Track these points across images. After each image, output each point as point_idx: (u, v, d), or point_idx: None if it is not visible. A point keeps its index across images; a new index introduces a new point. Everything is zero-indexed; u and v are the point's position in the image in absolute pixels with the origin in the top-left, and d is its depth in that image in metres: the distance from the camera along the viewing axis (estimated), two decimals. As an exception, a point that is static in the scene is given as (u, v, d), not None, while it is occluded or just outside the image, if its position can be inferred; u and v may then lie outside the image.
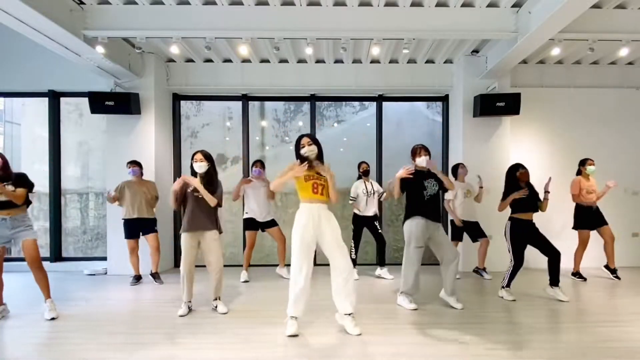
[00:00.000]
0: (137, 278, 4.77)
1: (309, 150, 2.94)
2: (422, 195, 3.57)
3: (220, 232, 3.61)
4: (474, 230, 4.95)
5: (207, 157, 3.48)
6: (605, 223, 4.90)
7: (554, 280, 3.90)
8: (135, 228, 4.67)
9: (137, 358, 2.60)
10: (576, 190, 4.86)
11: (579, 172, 4.96)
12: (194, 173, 3.48)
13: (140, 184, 4.71)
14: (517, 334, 3.01)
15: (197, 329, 3.12)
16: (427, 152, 3.63)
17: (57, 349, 2.77)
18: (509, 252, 3.95)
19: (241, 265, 4.96)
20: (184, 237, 3.43)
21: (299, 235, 2.88)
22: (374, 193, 4.96)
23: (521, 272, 5.17)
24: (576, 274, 4.96)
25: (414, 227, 3.55)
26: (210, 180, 3.45)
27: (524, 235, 3.88)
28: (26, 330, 3.13)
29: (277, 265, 5.12)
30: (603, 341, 2.85)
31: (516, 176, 3.93)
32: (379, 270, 5.03)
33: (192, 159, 3.47)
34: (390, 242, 6.00)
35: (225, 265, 3.68)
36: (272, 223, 4.90)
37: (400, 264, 5.95)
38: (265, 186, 4.77)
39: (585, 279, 4.86)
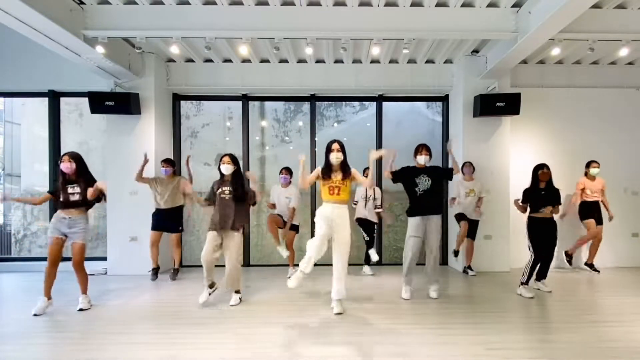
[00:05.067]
0: (155, 271, 4.90)
1: (336, 156, 3.41)
2: (414, 192, 3.86)
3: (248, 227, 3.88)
4: (472, 229, 5.02)
5: (234, 160, 3.79)
6: (600, 223, 5.16)
7: (539, 276, 4.21)
8: (161, 221, 4.84)
9: (136, 358, 2.60)
10: (577, 189, 5.24)
11: (586, 174, 5.26)
12: (221, 175, 3.78)
13: (171, 179, 4.88)
14: (517, 334, 3.01)
15: (197, 329, 3.12)
16: (428, 151, 3.92)
17: (56, 349, 2.76)
18: (529, 248, 4.09)
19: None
20: (209, 234, 3.71)
21: (317, 225, 3.41)
22: (374, 199, 5.06)
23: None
24: (590, 265, 5.24)
25: (411, 221, 3.93)
26: (238, 182, 3.76)
27: (539, 231, 4.02)
28: (25, 331, 3.14)
29: (277, 265, 5.25)
30: (603, 341, 2.85)
31: (538, 175, 4.04)
32: (365, 268, 5.22)
33: (220, 161, 3.77)
34: (390, 242, 6.01)
35: (220, 266, 3.78)
36: (292, 227, 4.95)
37: (400, 264, 6.01)
38: (289, 197, 4.89)
39: (598, 272, 5.13)
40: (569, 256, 5.27)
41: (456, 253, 5.11)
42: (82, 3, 4.08)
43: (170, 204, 4.84)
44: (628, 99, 5.82)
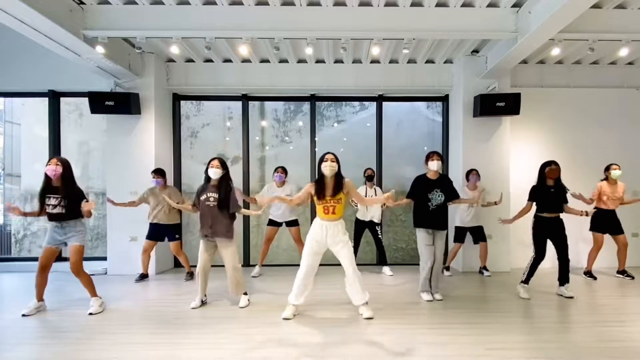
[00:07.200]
0: (143, 276, 4.91)
1: (330, 166, 3.27)
2: (426, 207, 3.79)
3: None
4: (477, 234, 5.06)
5: (223, 164, 3.64)
6: (621, 232, 4.91)
7: (561, 281, 4.05)
8: (156, 232, 4.81)
9: (136, 357, 2.61)
10: (595, 195, 4.89)
11: (605, 178, 4.94)
12: (207, 178, 3.64)
13: (163, 190, 4.73)
14: (518, 334, 3.01)
15: (197, 329, 3.12)
16: (440, 156, 3.83)
17: (56, 349, 2.76)
18: (533, 246, 4.02)
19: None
20: (201, 244, 3.68)
21: (309, 243, 3.40)
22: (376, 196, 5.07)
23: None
24: (587, 272, 5.06)
25: (421, 233, 3.87)
26: (225, 189, 3.61)
27: (545, 229, 3.96)
28: (25, 331, 3.14)
29: (279, 265, 5.33)
30: (603, 341, 2.85)
31: (545, 173, 3.96)
32: (383, 269, 5.21)
33: (209, 164, 3.61)
34: (390, 242, 6.01)
35: (215, 266, 3.85)
36: (293, 222, 5.07)
37: (400, 264, 6.02)
38: (288, 195, 4.87)
39: (595, 278, 4.94)
40: (589, 274, 5.01)
41: (447, 268, 5.16)
42: (82, 3, 4.07)
43: (165, 219, 4.73)
44: (628, 99, 5.81)
